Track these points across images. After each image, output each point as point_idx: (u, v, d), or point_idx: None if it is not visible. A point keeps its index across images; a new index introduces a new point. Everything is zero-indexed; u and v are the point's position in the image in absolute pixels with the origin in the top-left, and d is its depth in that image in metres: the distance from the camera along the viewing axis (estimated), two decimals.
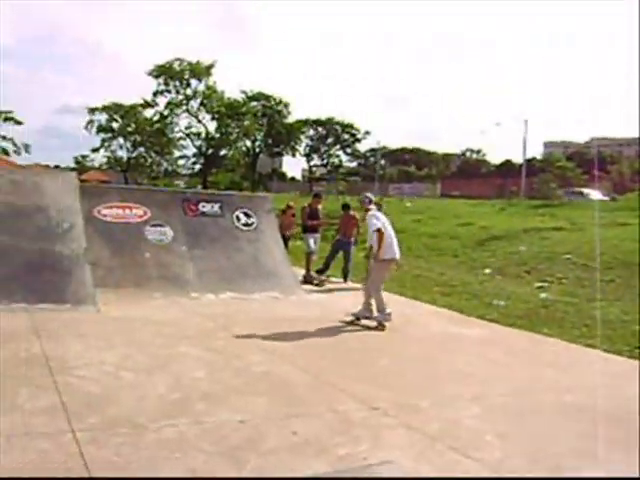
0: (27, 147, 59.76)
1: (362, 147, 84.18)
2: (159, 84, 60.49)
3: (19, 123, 59.54)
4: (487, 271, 16.53)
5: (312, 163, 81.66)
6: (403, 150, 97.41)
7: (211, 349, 6.91)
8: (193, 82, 60.64)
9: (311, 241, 13.30)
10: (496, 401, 5.73)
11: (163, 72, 59.43)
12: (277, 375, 6.08)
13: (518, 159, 64.01)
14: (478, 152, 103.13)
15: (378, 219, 9.22)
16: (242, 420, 4.74)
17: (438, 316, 10.21)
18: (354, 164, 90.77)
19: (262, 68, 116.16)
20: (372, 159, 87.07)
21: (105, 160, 66.89)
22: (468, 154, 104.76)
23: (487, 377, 6.60)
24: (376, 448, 4.39)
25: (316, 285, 12.76)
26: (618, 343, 8.79)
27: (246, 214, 12.21)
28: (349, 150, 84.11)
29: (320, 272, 13.51)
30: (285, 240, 13.38)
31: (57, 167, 76.84)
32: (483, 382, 6.37)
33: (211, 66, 59.84)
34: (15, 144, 58.66)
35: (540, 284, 14.44)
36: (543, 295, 12.98)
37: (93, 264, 9.46)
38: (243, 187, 63.55)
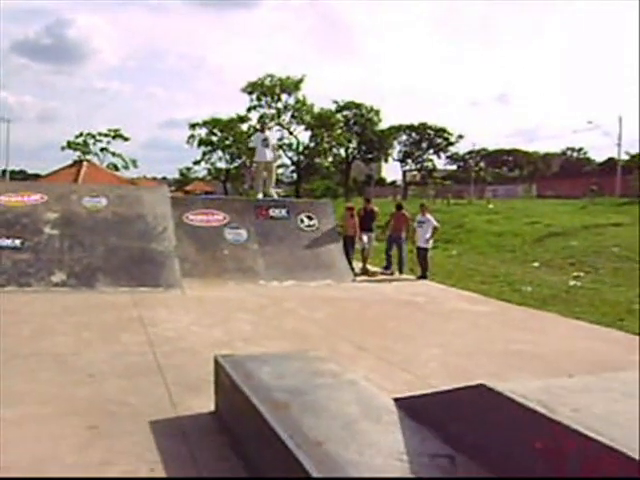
0: (134, 162, 65.28)
1: (461, 150, 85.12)
2: (252, 100, 64.45)
3: (127, 139, 65.02)
4: (535, 264, 18.19)
5: (407, 168, 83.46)
6: (501, 151, 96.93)
7: (260, 315, 9.33)
8: (284, 96, 64.16)
9: (365, 238, 15.51)
10: (456, 347, 7.81)
11: (255, 89, 63.22)
12: (301, 330, 8.41)
13: (624, 156, 62.90)
14: (579, 150, 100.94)
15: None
16: (264, 352, 7.09)
17: (461, 298, 12.14)
18: (453, 167, 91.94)
19: (355, 74, 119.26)
20: (471, 162, 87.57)
21: (206, 172, 71.28)
22: (569, 153, 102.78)
23: (463, 334, 8.66)
24: (350, 367, 6.61)
25: (370, 276, 14.95)
26: (608, 317, 10.54)
27: (309, 217, 14.62)
28: (448, 153, 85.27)
29: (386, 268, 15.76)
30: (351, 239, 15.36)
31: (164, 179, 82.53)
32: (457, 337, 8.45)
33: (300, 80, 63.09)
34: (124, 159, 64.14)
35: (577, 274, 16.03)
36: (572, 282, 14.64)
37: (182, 259, 12.15)
38: (338, 193, 66.24)
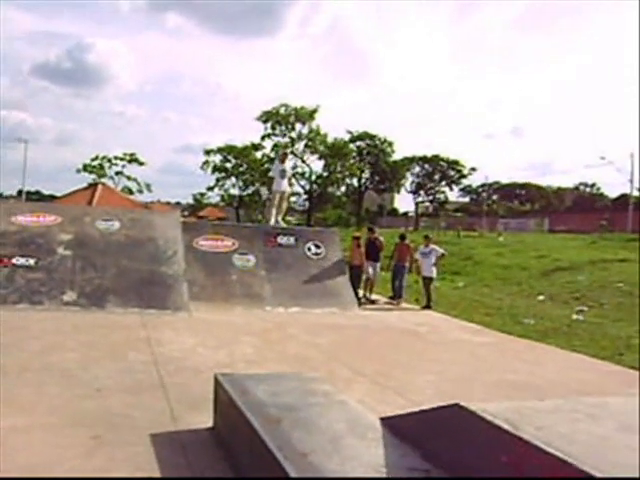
0: (149, 186, 66.29)
1: (474, 182, 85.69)
2: (266, 128, 65.34)
3: (142, 164, 66.04)
4: (541, 297, 18.32)
5: (419, 199, 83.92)
6: (514, 185, 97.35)
7: (264, 340, 9.59)
8: (298, 126, 65.00)
9: (370, 269, 15.79)
10: (452, 375, 8.03)
11: (270, 117, 64.14)
12: (303, 354, 8.66)
13: (636, 193, 62.86)
14: (592, 186, 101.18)
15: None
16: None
17: (463, 329, 12.35)
18: (466, 199, 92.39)
19: (369, 103, 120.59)
20: (484, 194, 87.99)
21: (219, 198, 71.96)
22: (582, 188, 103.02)
23: (461, 363, 8.87)
24: (346, 390, 6.84)
25: (372, 303, 15.20)
26: (607, 350, 10.70)
27: (316, 245, 14.91)
28: (460, 186, 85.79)
29: (392, 298, 16.02)
30: (357, 269, 15.63)
31: (178, 203, 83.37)
32: (455, 365, 8.66)
33: (315, 110, 63.96)
34: (138, 183, 65.08)
35: (580, 308, 16.16)
36: (575, 317, 14.78)
37: (190, 282, 12.45)
38: (350, 223, 66.75)
